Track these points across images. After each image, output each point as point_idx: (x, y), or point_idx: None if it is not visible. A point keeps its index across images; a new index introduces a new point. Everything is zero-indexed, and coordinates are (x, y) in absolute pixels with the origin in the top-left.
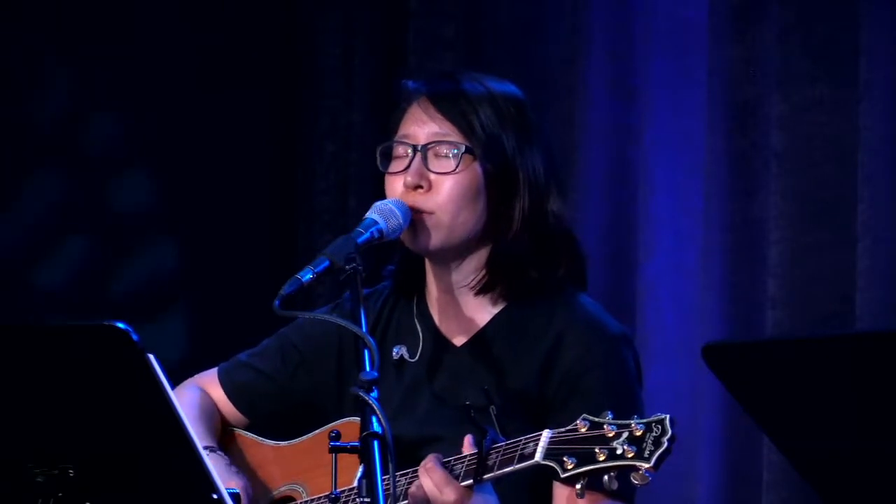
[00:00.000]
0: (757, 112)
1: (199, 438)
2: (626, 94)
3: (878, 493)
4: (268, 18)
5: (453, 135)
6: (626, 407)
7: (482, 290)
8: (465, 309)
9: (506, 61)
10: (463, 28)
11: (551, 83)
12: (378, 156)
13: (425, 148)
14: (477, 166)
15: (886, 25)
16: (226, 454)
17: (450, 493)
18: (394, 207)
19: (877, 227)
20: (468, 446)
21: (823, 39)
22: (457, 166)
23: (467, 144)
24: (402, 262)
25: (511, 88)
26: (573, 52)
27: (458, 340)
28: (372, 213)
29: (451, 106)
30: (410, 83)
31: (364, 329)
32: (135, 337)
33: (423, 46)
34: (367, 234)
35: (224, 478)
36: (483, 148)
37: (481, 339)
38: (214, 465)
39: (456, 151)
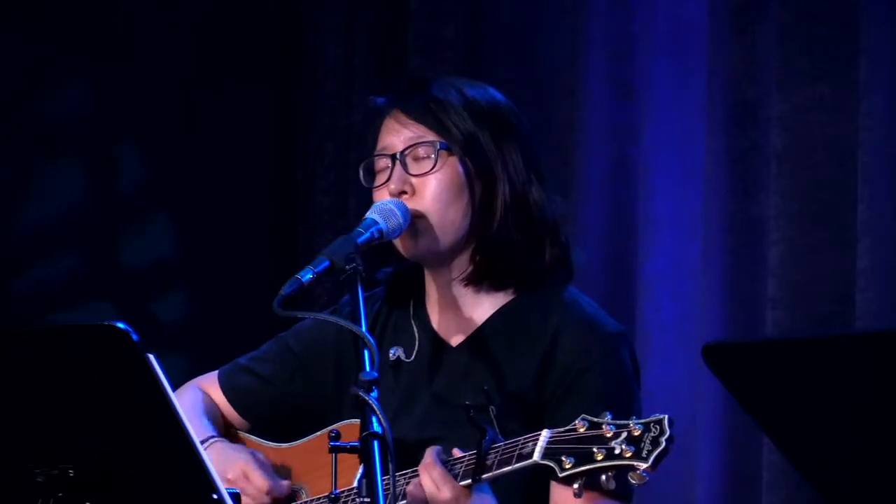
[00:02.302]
0: (757, 112)
1: (202, 432)
2: (626, 94)
3: (878, 493)
4: (268, 18)
5: (428, 135)
6: (624, 406)
7: (472, 281)
8: (462, 309)
9: (506, 61)
10: (463, 28)
11: (551, 83)
12: (361, 173)
13: (403, 154)
14: (456, 162)
15: (886, 25)
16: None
17: (448, 491)
18: (394, 207)
19: (877, 227)
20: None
21: (823, 39)
22: (435, 164)
23: (442, 141)
24: (397, 270)
25: (484, 88)
26: (573, 52)
27: (455, 340)
28: (372, 213)
29: (423, 111)
30: (378, 99)
31: (364, 329)
32: (135, 337)
33: (423, 46)
34: (367, 234)
35: (232, 459)
36: (459, 143)
37: (478, 338)
38: (220, 450)
39: (432, 150)
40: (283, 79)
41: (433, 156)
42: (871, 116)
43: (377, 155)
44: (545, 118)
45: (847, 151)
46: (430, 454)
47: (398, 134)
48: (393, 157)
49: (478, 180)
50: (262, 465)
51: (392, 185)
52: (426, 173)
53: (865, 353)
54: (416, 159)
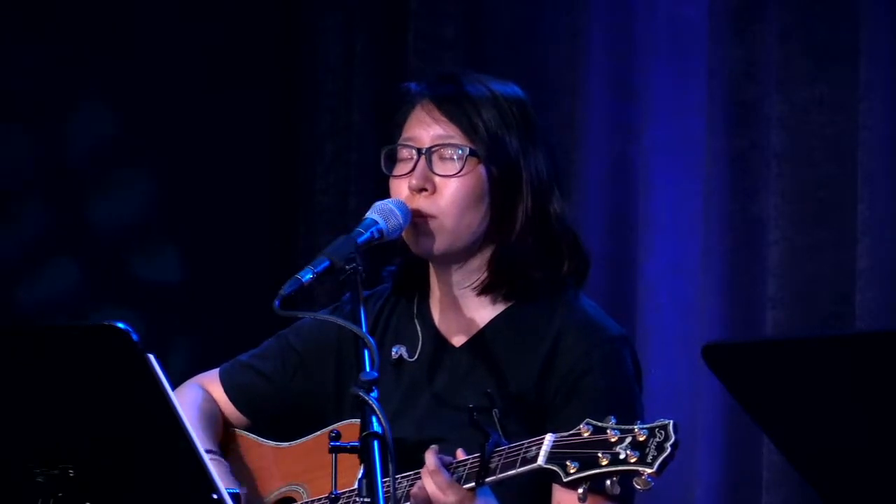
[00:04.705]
0: (757, 112)
1: (200, 442)
2: (626, 94)
3: (878, 493)
4: (268, 18)
5: (457, 137)
6: (626, 408)
7: (485, 290)
8: (465, 310)
9: (506, 61)
10: (463, 28)
11: (551, 83)
12: (382, 159)
13: (430, 151)
14: (481, 169)
15: (886, 25)
16: (227, 455)
17: (452, 495)
18: (394, 207)
19: (877, 227)
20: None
21: (823, 39)
22: (461, 169)
23: (472, 147)
24: (404, 263)
25: (513, 88)
26: (573, 52)
27: (457, 341)
28: (372, 213)
29: (454, 108)
30: (413, 85)
31: (364, 329)
32: (135, 337)
33: (423, 46)
34: (367, 234)
35: (224, 483)
36: (487, 150)
37: (480, 339)
38: (215, 470)
39: (461, 153)
40: (283, 79)
41: (458, 159)
42: (871, 116)
43: (402, 144)
44: (545, 118)
45: (847, 151)
46: (432, 458)
47: (427, 128)
48: (419, 150)
49: (501, 189)
50: (247, 499)
51: (414, 181)
52: (451, 176)
53: (865, 353)
54: (442, 158)
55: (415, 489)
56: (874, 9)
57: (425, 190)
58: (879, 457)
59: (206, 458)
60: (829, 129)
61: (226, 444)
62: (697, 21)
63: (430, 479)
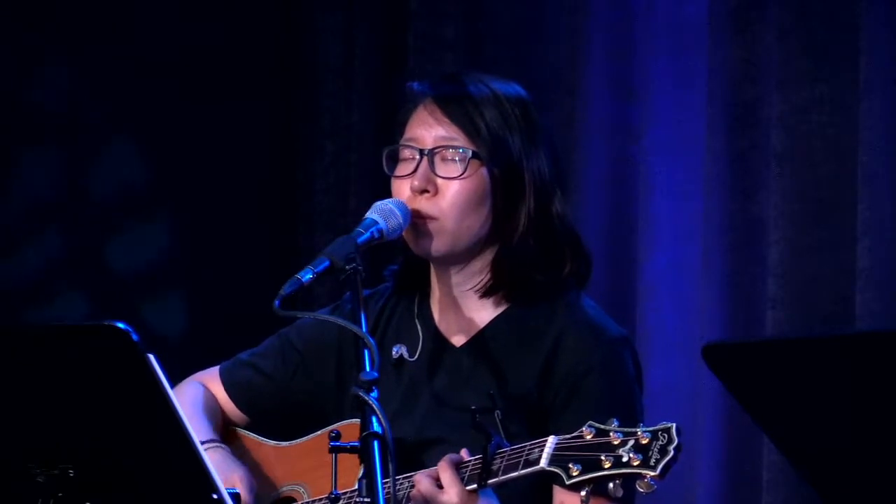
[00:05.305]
0: (757, 112)
1: (202, 433)
2: (626, 94)
3: (877, 492)
4: (268, 18)
5: (460, 139)
6: (626, 410)
7: (487, 292)
8: (466, 310)
9: (506, 61)
10: (463, 28)
11: (551, 83)
12: (384, 159)
13: (432, 152)
14: (483, 171)
15: (886, 25)
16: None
17: (454, 496)
18: (394, 207)
19: (877, 227)
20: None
21: (823, 39)
22: (464, 171)
23: (474, 149)
24: (406, 262)
25: (516, 89)
26: (573, 53)
27: (458, 341)
28: (372, 213)
29: (456, 109)
30: (416, 85)
31: (364, 329)
32: (135, 337)
33: (423, 46)
34: (367, 234)
35: (228, 470)
36: (489, 152)
37: (480, 340)
38: (218, 458)
39: (463, 155)
40: (283, 79)
41: (460, 161)
42: (871, 116)
43: (404, 145)
44: (545, 118)
45: (847, 151)
46: (447, 460)
47: (429, 129)
48: (421, 151)
49: (503, 191)
50: (251, 484)
51: (416, 182)
52: (453, 178)
53: (865, 353)
54: (444, 160)
55: (414, 491)
56: (874, 9)
57: (427, 191)
58: (879, 457)
59: (207, 458)
60: (829, 129)
61: (226, 442)
62: (697, 21)
63: (430, 478)
